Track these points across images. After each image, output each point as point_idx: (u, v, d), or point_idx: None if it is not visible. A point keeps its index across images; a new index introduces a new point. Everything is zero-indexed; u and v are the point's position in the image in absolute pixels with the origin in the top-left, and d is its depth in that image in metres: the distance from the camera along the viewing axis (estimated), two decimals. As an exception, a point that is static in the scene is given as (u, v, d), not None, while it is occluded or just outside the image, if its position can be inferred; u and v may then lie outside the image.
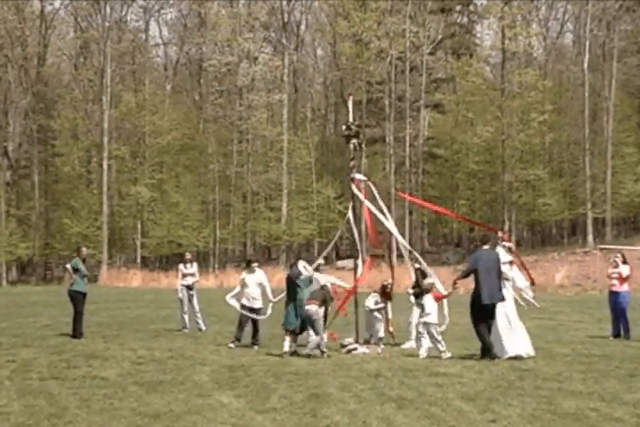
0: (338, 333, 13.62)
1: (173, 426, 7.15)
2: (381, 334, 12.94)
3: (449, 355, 11.56)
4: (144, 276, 42.74)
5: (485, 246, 12.03)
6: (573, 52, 54.21)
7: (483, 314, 11.38)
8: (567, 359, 11.43)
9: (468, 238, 50.54)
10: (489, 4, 47.79)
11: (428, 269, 13.25)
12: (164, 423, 7.22)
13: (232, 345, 13.05)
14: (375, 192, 13.94)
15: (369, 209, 13.60)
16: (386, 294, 13.08)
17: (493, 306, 11.40)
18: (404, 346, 13.31)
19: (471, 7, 56.65)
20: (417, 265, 13.51)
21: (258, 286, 13.51)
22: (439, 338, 11.69)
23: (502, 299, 11.43)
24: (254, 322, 13.38)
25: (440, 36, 51.84)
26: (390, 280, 13.33)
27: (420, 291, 12.84)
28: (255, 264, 13.69)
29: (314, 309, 11.85)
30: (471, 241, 50.98)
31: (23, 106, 51.47)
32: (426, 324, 11.74)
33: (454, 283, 11.77)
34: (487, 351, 11.36)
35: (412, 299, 12.99)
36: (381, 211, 13.75)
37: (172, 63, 62.29)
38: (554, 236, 52.90)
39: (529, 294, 12.28)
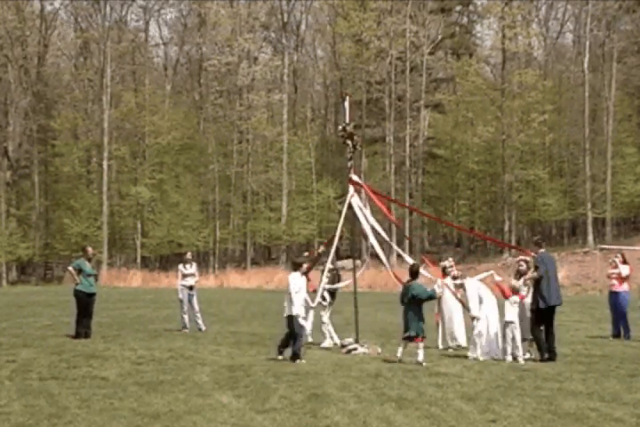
0: (338, 333, 13.61)
1: (173, 426, 7.15)
2: None
3: (522, 362, 11.17)
4: (144, 276, 42.76)
5: (542, 249, 11.97)
6: (573, 52, 54.15)
7: (544, 317, 11.45)
8: (567, 359, 11.44)
9: (468, 238, 50.52)
10: (489, 3, 47.76)
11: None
12: (163, 423, 7.22)
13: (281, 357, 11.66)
14: (364, 195, 13.93)
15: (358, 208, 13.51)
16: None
17: (554, 309, 11.53)
18: (322, 345, 13.26)
19: (471, 7, 56.68)
20: (330, 266, 13.42)
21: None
22: (518, 340, 11.37)
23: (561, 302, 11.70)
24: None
25: (440, 36, 51.91)
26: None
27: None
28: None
29: None
30: (471, 241, 51.02)
31: (23, 106, 51.48)
32: (506, 323, 11.38)
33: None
34: (547, 353, 11.33)
35: (327, 297, 13.15)
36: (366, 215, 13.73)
37: (171, 63, 62.32)
38: (554, 236, 52.86)
39: None
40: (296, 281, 11.52)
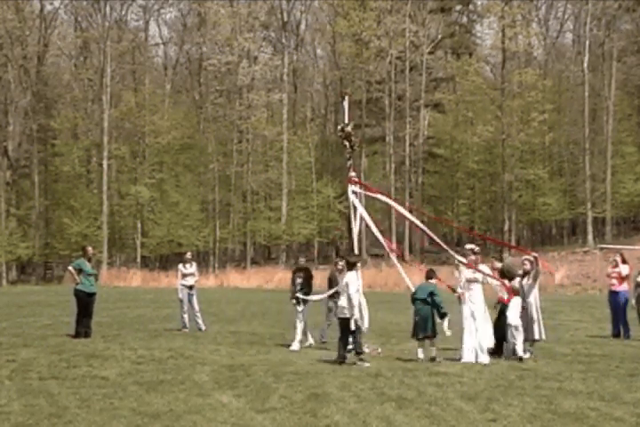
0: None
1: (173, 426, 7.15)
2: None
3: (526, 356, 11.26)
4: (144, 275, 42.74)
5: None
6: (573, 52, 54.22)
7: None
8: (567, 359, 11.43)
9: (468, 238, 50.52)
10: (489, 3, 47.76)
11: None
12: (163, 423, 7.21)
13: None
14: (362, 194, 13.89)
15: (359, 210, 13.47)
16: None
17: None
18: (291, 348, 12.83)
19: (471, 6, 56.74)
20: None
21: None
22: (520, 340, 11.31)
23: None
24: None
25: (440, 36, 51.93)
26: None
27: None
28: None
29: None
30: (471, 240, 51.00)
31: (23, 106, 51.45)
32: (508, 324, 11.36)
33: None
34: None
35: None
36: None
37: (171, 63, 62.34)
38: (554, 235, 52.91)
39: None
40: (353, 281, 11.23)
